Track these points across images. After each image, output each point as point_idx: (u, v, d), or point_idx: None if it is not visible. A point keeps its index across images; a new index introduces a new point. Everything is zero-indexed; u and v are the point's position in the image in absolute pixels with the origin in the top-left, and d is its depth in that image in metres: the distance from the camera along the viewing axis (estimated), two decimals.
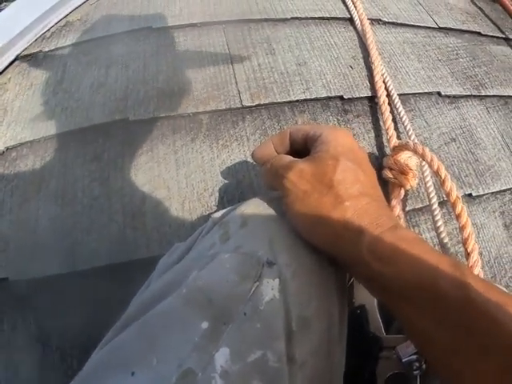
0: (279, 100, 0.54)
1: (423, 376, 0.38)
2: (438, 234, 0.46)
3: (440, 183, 0.45)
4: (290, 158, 0.37)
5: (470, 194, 0.56)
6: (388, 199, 0.49)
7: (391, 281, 0.29)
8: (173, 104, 0.55)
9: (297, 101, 0.54)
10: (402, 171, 0.49)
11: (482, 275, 0.40)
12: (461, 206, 0.44)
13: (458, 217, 0.44)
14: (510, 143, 0.64)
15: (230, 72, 0.56)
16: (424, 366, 0.38)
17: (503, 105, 0.68)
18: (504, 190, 0.60)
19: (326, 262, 0.35)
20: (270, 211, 0.36)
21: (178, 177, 0.51)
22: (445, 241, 0.44)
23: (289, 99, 0.54)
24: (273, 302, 0.29)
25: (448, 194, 0.44)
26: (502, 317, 0.25)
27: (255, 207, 0.37)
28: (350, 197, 0.32)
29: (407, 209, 0.52)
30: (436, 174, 0.46)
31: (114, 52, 0.61)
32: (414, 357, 0.38)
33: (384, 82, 0.57)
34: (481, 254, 0.55)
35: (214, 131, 0.53)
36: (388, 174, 0.49)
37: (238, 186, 0.50)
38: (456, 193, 0.44)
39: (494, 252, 0.56)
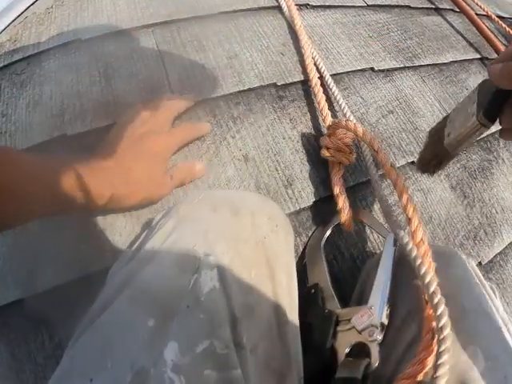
0: (213, 95, 0.52)
1: (383, 345, 0.37)
2: (381, 204, 0.45)
3: (374, 155, 0.45)
4: None
5: (413, 162, 0.56)
6: (329, 178, 0.48)
7: None
8: (109, 113, 0.52)
9: (230, 94, 0.52)
10: (339, 149, 0.48)
11: (426, 238, 0.40)
12: (396, 174, 0.43)
13: (394, 185, 0.43)
14: (448, 108, 0.64)
15: (162, 74, 0.54)
16: (381, 333, 0.37)
17: (438, 72, 0.68)
18: None
19: (267, 246, 0.34)
20: (203, 206, 0.36)
21: None
22: (387, 209, 0.43)
23: (222, 93, 0.52)
24: (213, 291, 0.28)
25: (383, 165, 0.43)
26: None
27: (189, 204, 0.36)
28: None
29: (352, 183, 0.51)
30: (369, 146, 0.45)
31: (46, 68, 0.58)
32: (370, 324, 0.37)
33: (315, 64, 0.56)
34: (431, 217, 0.55)
35: None
36: (325, 153, 0.48)
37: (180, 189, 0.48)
38: (390, 162, 0.44)
39: (444, 214, 0.56)
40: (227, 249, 0.32)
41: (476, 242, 0.56)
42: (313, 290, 0.42)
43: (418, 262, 0.36)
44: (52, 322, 0.48)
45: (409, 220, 0.41)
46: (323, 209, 0.48)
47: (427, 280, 0.34)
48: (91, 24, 0.60)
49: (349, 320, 0.38)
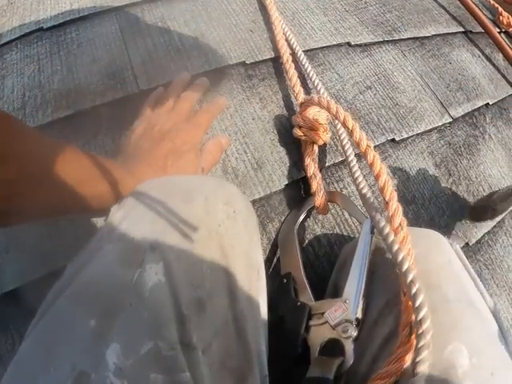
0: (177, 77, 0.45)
1: (358, 340, 0.31)
2: (357, 186, 0.38)
3: (348, 134, 0.38)
4: None
5: (393, 139, 0.49)
6: (302, 159, 0.42)
7: None
8: (70, 103, 0.46)
9: (196, 75, 0.46)
10: (312, 127, 0.41)
11: (405, 223, 0.33)
12: (372, 155, 0.36)
13: (371, 166, 0.36)
14: (431, 83, 0.57)
15: (124, 58, 0.48)
16: (356, 329, 0.31)
17: (419, 46, 0.61)
18: (430, 130, 0.54)
19: (222, 234, 0.29)
20: (153, 194, 0.30)
21: None
22: (363, 192, 0.37)
23: (189, 74, 0.45)
24: (158, 287, 0.24)
25: (358, 144, 0.37)
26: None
27: (140, 193, 0.31)
28: None
29: (328, 164, 0.44)
30: (343, 125, 0.38)
31: (8, 61, 0.52)
32: (344, 319, 0.32)
33: (287, 40, 0.49)
34: (414, 197, 0.49)
35: (115, 123, 0.44)
36: (298, 132, 0.42)
37: None
38: (366, 142, 0.37)
39: (428, 193, 0.50)
40: (175, 242, 0.27)
41: (463, 221, 0.50)
42: (285, 280, 0.37)
43: (395, 248, 0.30)
44: (21, 321, 0.43)
45: (386, 204, 0.34)
46: (296, 192, 0.42)
47: (405, 268, 0.28)
48: (53, 12, 0.54)
49: (322, 314, 0.33)
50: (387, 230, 0.31)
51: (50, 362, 0.22)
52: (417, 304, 0.27)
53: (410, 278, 0.28)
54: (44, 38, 0.52)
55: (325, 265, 0.40)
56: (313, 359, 0.31)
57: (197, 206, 0.29)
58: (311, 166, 0.41)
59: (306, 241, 0.41)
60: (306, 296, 0.35)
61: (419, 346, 0.26)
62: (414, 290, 0.27)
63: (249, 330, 0.28)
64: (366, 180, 0.45)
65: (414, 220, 0.47)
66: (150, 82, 0.45)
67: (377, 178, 0.35)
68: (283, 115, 0.45)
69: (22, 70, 0.51)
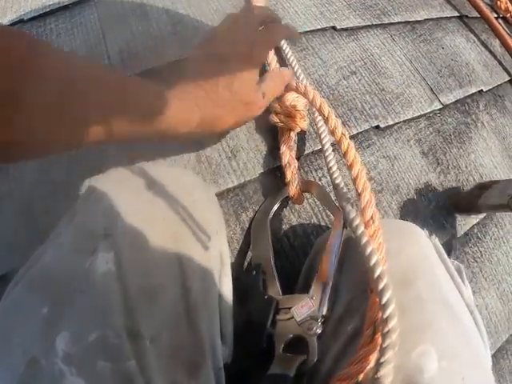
0: (155, 65, 0.42)
1: (323, 337, 0.29)
2: (331, 175, 0.35)
3: (324, 121, 0.35)
4: None
5: (377, 126, 0.45)
6: (279, 146, 0.38)
7: None
8: None
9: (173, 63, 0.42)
10: (289, 114, 0.38)
11: (377, 215, 0.30)
12: (347, 143, 0.33)
13: (344, 155, 0.33)
14: (420, 68, 0.53)
15: (102, 48, 0.45)
16: (320, 326, 0.29)
17: (410, 30, 0.56)
18: (418, 117, 0.49)
19: (178, 224, 0.26)
20: (111, 183, 0.28)
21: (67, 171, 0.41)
22: (337, 182, 0.34)
23: (165, 62, 0.42)
24: (107, 275, 0.24)
25: (332, 132, 0.34)
26: None
27: (99, 181, 0.29)
28: None
29: (307, 152, 0.41)
30: (319, 111, 0.35)
31: None
32: (309, 316, 0.29)
33: None
34: (398, 186, 0.45)
35: None
36: (274, 118, 0.38)
37: None
38: (341, 130, 0.34)
39: (414, 183, 0.46)
40: (128, 230, 0.25)
41: (450, 212, 0.46)
42: (254, 272, 0.34)
43: (364, 240, 0.26)
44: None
45: (358, 195, 0.31)
46: (272, 181, 0.39)
47: (372, 262, 0.25)
48: (34, 2, 0.51)
49: (289, 308, 0.30)
50: (357, 221, 0.28)
51: (6, 348, 0.22)
52: (383, 301, 0.24)
53: (377, 273, 0.25)
54: (24, 29, 0.50)
55: (300, 255, 0.37)
56: (276, 355, 0.29)
57: (154, 195, 0.27)
58: (286, 155, 0.37)
59: (282, 231, 0.38)
60: (275, 289, 0.33)
61: (384, 345, 0.23)
62: (381, 286, 0.24)
63: (202, 322, 0.26)
64: (341, 169, 0.42)
65: (398, 211, 0.43)
66: (125, 70, 0.42)
67: (350, 167, 0.32)
68: None
69: None
